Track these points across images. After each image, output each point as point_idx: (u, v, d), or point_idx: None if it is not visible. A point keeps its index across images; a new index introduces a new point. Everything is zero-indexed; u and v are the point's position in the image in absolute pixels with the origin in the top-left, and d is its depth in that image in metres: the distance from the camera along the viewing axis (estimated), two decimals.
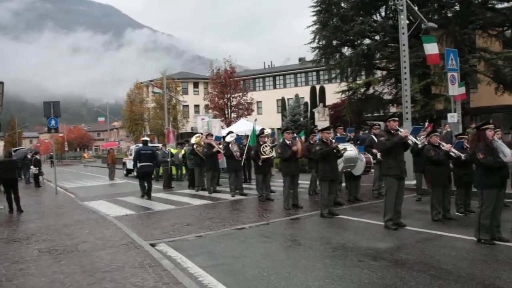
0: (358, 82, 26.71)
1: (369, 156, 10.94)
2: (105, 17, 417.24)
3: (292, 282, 5.20)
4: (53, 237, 8.26)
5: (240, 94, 38.94)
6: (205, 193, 14.42)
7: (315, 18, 26.05)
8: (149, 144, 16.04)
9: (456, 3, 23.60)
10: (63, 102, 19.74)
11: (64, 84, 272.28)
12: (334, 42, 25.90)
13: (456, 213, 8.83)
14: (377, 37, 25.39)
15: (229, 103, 38.55)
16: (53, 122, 16.46)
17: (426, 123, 13.28)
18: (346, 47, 26.68)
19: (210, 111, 39.78)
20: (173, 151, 19.75)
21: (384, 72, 27.18)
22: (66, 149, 73.86)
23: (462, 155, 8.20)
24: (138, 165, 14.27)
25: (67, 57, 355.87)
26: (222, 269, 5.86)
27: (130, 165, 23.13)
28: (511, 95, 23.84)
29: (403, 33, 14.26)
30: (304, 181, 13.08)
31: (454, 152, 8.26)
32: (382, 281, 5.13)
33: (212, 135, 15.42)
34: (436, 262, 5.77)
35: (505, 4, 22.97)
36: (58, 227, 9.28)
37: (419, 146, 8.61)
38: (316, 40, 26.19)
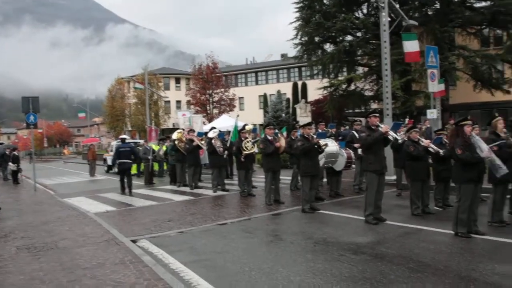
0: (339, 78, 26.93)
1: (350, 151, 11.04)
2: (86, 11, 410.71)
3: (274, 277, 5.23)
4: (32, 234, 8.14)
5: (222, 90, 38.86)
6: (187, 189, 14.38)
7: (298, 14, 26.14)
8: (131, 140, 16.02)
9: (437, 1, 23.93)
10: (42, 97, 19.42)
11: (43, 79, 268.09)
12: (316, 39, 26.03)
13: (435, 208, 8.98)
14: (359, 34, 25.63)
15: (211, 99, 38.43)
16: (31, 118, 16.19)
17: (407, 119, 13.47)
18: (328, 44, 26.85)
19: (192, 107, 39.59)
20: (155, 147, 19.61)
21: (366, 69, 27.43)
22: (46, 145, 72.82)
23: (441, 151, 8.34)
24: (117, 161, 14.42)
25: (47, 52, 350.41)
26: (204, 265, 5.85)
27: (110, 161, 22.92)
28: (488, 92, 24.32)
29: (385, 30, 14.39)
30: (285, 177, 13.13)
31: (432, 147, 8.40)
32: (362, 274, 5.19)
33: (193, 131, 15.35)
34: (415, 255, 5.87)
35: (483, 3, 23.36)
36: (37, 224, 9.14)
37: (399, 141, 8.72)
38: (299, 37, 26.30)
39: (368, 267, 5.46)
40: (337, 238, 7.00)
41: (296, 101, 38.09)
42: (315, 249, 6.45)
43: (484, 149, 6.40)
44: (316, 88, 28.79)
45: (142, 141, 23.51)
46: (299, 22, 26.09)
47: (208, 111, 37.81)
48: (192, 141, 14.20)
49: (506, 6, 21.64)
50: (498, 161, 6.48)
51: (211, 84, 38.26)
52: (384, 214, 8.18)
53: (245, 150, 11.72)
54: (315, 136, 9.38)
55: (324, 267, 5.51)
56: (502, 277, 4.90)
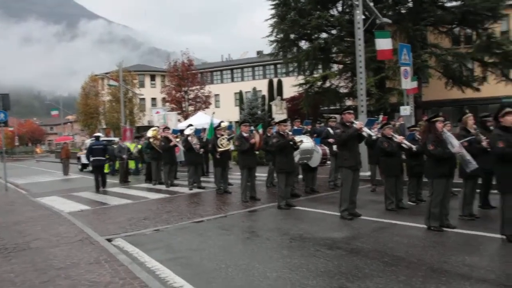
0: (315, 75, 27.09)
1: (325, 148, 11.14)
2: (58, 6, 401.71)
3: (250, 273, 5.25)
4: (2, 235, 7.94)
5: (198, 87, 38.65)
6: (163, 187, 14.28)
7: (273, 11, 26.18)
8: (106, 138, 15.93)
9: (409, 0, 24.31)
10: (13, 94, 18.99)
11: (14, 75, 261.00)
12: (292, 36, 26.12)
13: (408, 203, 9.15)
14: (334, 32, 25.82)
15: (186, 96, 38.19)
16: (1, 115, 15.78)
17: (381, 116, 13.65)
18: (303, 41, 26.96)
19: (167, 104, 39.25)
20: (131, 146, 19.39)
21: (341, 66, 27.66)
22: (17, 144, 71.03)
23: (414, 147, 8.50)
24: (91, 159, 14.52)
25: (18, 47, 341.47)
26: (180, 263, 5.83)
27: (85, 159, 22.60)
28: (459, 90, 24.88)
29: (359, 28, 14.56)
30: (261, 174, 13.17)
31: (405, 143, 8.54)
32: (338, 269, 5.26)
33: (168, 129, 15.23)
34: (389, 249, 5.98)
35: (454, 3, 23.85)
36: (8, 225, 8.93)
37: (373, 138, 8.84)
38: (274, 34, 26.33)
39: (344, 262, 5.53)
40: (312, 234, 7.06)
41: (271, 98, 38.16)
42: (291, 245, 6.50)
43: (455, 145, 6.56)
44: (291, 85, 28.91)
45: (117, 139, 23.22)
46: (274, 19, 26.13)
47: (184, 109, 37.55)
48: (168, 139, 14.09)
49: (475, 6, 22.18)
50: (468, 157, 6.65)
51: (187, 81, 38.01)
52: (359, 210, 8.29)
53: (220, 147, 11.70)
54: (290, 133, 9.44)
55: (300, 263, 5.56)
56: (471, 269, 5.05)
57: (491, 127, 7.34)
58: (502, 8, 22.86)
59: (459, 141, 6.82)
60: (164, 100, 41.30)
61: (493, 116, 6.72)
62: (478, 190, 8.02)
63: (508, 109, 6.16)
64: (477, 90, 24.58)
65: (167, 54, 42.24)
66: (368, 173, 12.07)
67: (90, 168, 18.20)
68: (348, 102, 28.62)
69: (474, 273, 4.92)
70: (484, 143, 7.12)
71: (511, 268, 5.21)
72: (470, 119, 7.68)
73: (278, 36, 26.37)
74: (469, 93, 25.10)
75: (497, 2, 22.33)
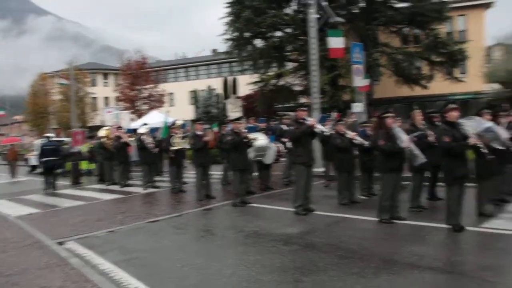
0: (269, 73, 27.28)
1: (280, 145, 11.25)
2: (3, 1, 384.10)
3: (206, 271, 5.24)
4: None
5: (152, 85, 38.05)
6: (116, 187, 13.96)
7: (228, 10, 26.12)
8: (57, 139, 15.51)
9: (362, 0, 24.92)
10: None
11: None
12: (247, 34, 26.17)
13: (361, 197, 9.39)
14: (288, 30, 26.07)
15: (140, 95, 37.51)
16: None
17: (335, 113, 13.91)
18: (258, 39, 27.07)
19: (121, 103, 38.38)
20: (82, 147, 18.82)
21: (295, 64, 27.98)
22: None
23: (365, 142, 8.71)
24: (43, 160, 14.19)
25: None
26: (134, 264, 5.74)
27: (34, 161, 21.79)
28: (409, 87, 25.78)
29: (312, 27, 14.77)
30: (216, 172, 13.13)
31: (357, 139, 8.75)
32: (293, 264, 5.34)
33: (121, 128, 14.91)
34: (343, 243, 6.12)
35: (404, 4, 24.70)
36: None
37: (326, 134, 9.00)
38: (229, 32, 26.30)
39: (299, 257, 5.62)
40: (268, 230, 7.12)
41: (226, 96, 38.08)
42: (246, 242, 6.54)
43: (404, 140, 6.79)
44: (246, 84, 28.99)
45: (68, 139, 22.46)
46: (229, 18, 26.10)
47: (138, 107, 36.87)
48: (120, 138, 13.78)
49: (422, 7, 23.25)
50: (416, 151, 6.90)
51: (140, 79, 37.33)
52: (313, 205, 8.42)
53: (174, 146, 11.58)
54: (246, 131, 9.47)
55: (256, 259, 5.59)
56: (420, 258, 5.26)
57: (437, 123, 7.64)
58: (447, 10, 23.97)
59: (408, 136, 7.07)
60: (117, 99, 40.36)
61: (439, 112, 7.00)
62: (426, 183, 8.34)
63: (452, 106, 6.45)
64: (425, 87, 25.53)
65: (120, 52, 41.23)
66: (322, 169, 12.27)
67: (40, 169, 17.50)
68: (302, 100, 28.99)
69: (422, 262, 5.13)
70: (431, 138, 7.41)
71: (455, 256, 5.51)
72: (418, 115, 7.98)
73: (233, 35, 26.35)
74: (418, 91, 26.05)
75: (442, 5, 23.54)
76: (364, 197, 9.41)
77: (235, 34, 26.22)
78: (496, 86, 18.99)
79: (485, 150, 6.52)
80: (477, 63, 24.85)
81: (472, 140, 6.23)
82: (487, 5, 29.90)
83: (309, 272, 5.00)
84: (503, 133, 7.12)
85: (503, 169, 7.51)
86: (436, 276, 4.77)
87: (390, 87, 26.85)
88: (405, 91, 26.46)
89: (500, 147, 6.93)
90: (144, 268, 5.52)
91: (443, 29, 25.19)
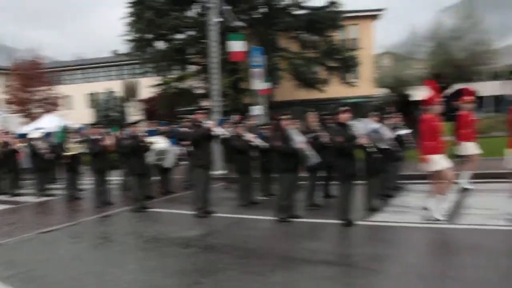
0: (172, 76, 26.96)
1: (180, 148, 11.10)
2: None
3: (105, 279, 5.08)
4: None
5: (47, 87, 35.59)
6: (5, 197, 12.80)
7: (130, 10, 25.34)
8: None
9: (263, 6, 25.58)
10: None
11: None
12: (149, 36, 25.61)
13: (260, 197, 9.54)
14: (191, 33, 25.94)
15: (33, 97, 34.90)
16: None
17: (235, 116, 14.08)
18: (160, 41, 26.61)
19: (11, 105, 35.38)
20: None
21: (198, 67, 27.92)
22: None
23: (263, 144, 8.86)
24: None
25: None
26: (22, 278, 5.32)
27: None
28: (307, 91, 27.00)
29: (213, 30, 14.84)
30: (115, 177, 12.64)
31: (255, 141, 8.89)
32: (193, 266, 5.34)
33: (9, 133, 13.74)
34: (242, 243, 6.24)
35: (302, 11, 25.82)
36: None
37: (225, 137, 9.09)
38: (131, 33, 25.53)
39: (198, 259, 5.62)
40: (167, 234, 7.03)
41: (127, 99, 36.92)
42: (146, 247, 6.41)
43: (299, 141, 7.06)
44: (148, 86, 28.36)
45: None
46: (131, 18, 25.33)
47: (30, 111, 34.25)
48: (8, 144, 12.69)
49: (318, 15, 24.58)
50: (310, 151, 7.20)
51: (34, 81, 34.72)
52: (214, 207, 8.43)
53: (69, 152, 10.92)
54: (144, 134, 9.24)
55: (156, 264, 5.53)
56: (315, 253, 5.53)
57: (330, 124, 8.05)
58: (340, 19, 25.57)
59: (303, 137, 7.36)
60: (7, 101, 37.12)
61: (331, 114, 7.40)
62: (322, 182, 8.72)
63: (342, 108, 6.86)
64: (322, 91, 26.86)
65: (12, 51, 38.00)
66: (222, 171, 12.33)
67: None
68: (205, 103, 29.01)
69: (316, 256, 5.40)
70: (325, 139, 7.79)
71: (347, 249, 5.89)
72: (311, 117, 8.35)
73: (134, 36, 25.64)
74: (316, 94, 27.31)
75: (336, 13, 25.04)
76: (263, 198, 9.59)
77: (137, 35, 25.52)
78: (384, 91, 20.54)
79: (372, 150, 7.03)
80: (368, 69, 26.72)
81: (361, 140, 6.67)
82: (375, 16, 32.35)
83: (209, 274, 5.02)
84: (388, 134, 7.73)
85: (388, 167, 8.11)
86: (328, 269, 5.03)
87: (290, 90, 27.91)
88: (304, 94, 27.67)
89: (385, 147, 7.53)
90: (32, 281, 5.17)
91: (337, 36, 26.70)
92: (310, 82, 26.24)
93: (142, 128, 9.71)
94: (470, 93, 9.19)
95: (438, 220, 6.48)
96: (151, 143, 9.24)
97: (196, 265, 5.36)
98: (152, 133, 9.86)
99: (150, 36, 25.65)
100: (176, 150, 10.92)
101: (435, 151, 6.52)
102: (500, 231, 5.92)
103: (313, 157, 7.14)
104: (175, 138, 11.48)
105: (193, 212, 8.17)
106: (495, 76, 29.49)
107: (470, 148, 8.68)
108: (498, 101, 32.96)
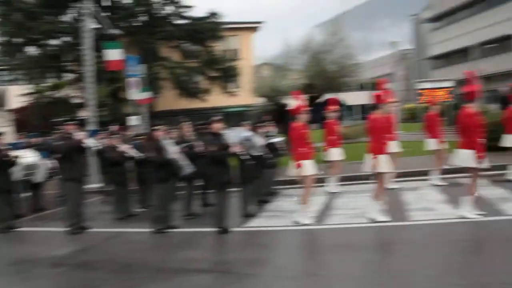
0: (46, 84, 25.25)
1: (52, 161, 10.43)
2: None
3: None
4: None
5: None
6: None
7: None
8: None
9: (143, 14, 25.16)
10: None
11: None
12: (18, 40, 23.68)
13: (137, 210, 9.27)
14: (66, 39, 24.54)
15: None
16: None
17: (114, 126, 13.64)
18: (32, 46, 24.76)
19: None
20: None
21: (74, 75, 26.49)
22: None
23: (138, 155, 8.69)
24: None
25: None
26: None
27: None
28: (190, 100, 27.10)
29: (88, 37, 14.29)
30: None
31: (129, 152, 8.71)
32: (67, 285, 5.21)
33: None
34: (119, 257, 6.15)
35: (183, 21, 25.94)
36: None
37: (97, 148, 8.81)
38: None
39: (72, 278, 5.48)
40: (36, 254, 6.60)
41: None
42: (9, 271, 5.99)
43: (172, 151, 7.14)
44: (19, 95, 26.21)
45: None
46: None
47: None
48: None
49: (199, 26, 25.08)
50: (185, 161, 7.30)
51: None
52: (88, 222, 8.04)
53: None
54: (11, 147, 8.57)
55: None
56: (190, 262, 5.69)
57: (204, 134, 8.24)
58: (221, 30, 26.26)
59: (178, 146, 7.45)
60: None
61: (205, 124, 7.60)
62: (197, 191, 8.81)
63: (215, 118, 7.08)
64: (204, 100, 27.15)
65: None
66: (97, 185, 11.84)
67: None
68: (82, 113, 27.58)
69: (193, 265, 5.55)
70: (199, 148, 7.94)
71: (222, 256, 6.13)
72: (186, 127, 8.50)
73: (1, 39, 23.53)
74: (199, 103, 27.50)
75: (216, 24, 25.71)
76: (140, 210, 9.34)
77: (4, 38, 23.46)
78: (262, 100, 21.38)
79: (245, 157, 7.36)
80: (248, 79, 27.62)
81: (234, 149, 6.95)
82: (255, 29, 33.73)
83: None
84: (259, 142, 8.15)
85: (262, 173, 8.52)
86: (204, 276, 5.20)
87: (173, 100, 27.71)
88: (187, 103, 27.68)
89: (257, 154, 7.92)
90: None
91: (218, 47, 27.25)
92: (192, 92, 26.41)
93: (6, 140, 8.95)
94: (335, 102, 10.06)
95: (307, 224, 6.95)
96: (17, 157, 8.56)
97: (70, 284, 5.18)
98: (19, 145, 9.15)
99: (19, 40, 23.77)
100: (48, 163, 10.23)
101: (305, 157, 7.02)
102: (363, 228, 6.57)
103: (187, 167, 7.26)
104: (47, 150, 10.79)
105: (66, 229, 7.73)
106: (361, 87, 32.56)
107: (335, 154, 9.50)
108: (365, 110, 36.44)
